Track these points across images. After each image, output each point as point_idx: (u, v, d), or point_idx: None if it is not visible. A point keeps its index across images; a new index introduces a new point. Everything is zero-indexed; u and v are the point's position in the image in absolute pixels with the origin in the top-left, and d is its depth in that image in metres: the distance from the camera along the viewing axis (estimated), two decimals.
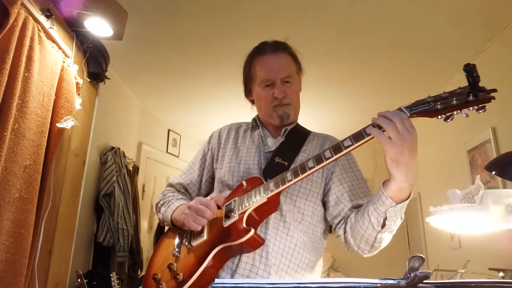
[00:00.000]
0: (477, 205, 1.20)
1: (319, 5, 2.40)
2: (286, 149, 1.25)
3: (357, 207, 1.14)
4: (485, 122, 2.66)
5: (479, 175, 1.62)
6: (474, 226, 1.37)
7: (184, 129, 4.70)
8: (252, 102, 1.38)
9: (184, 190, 1.41)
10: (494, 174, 1.82)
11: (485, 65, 2.65)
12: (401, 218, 1.00)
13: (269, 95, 1.25)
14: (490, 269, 2.17)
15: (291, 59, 1.29)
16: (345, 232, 1.12)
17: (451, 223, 1.37)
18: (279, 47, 1.28)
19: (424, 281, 0.51)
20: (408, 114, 0.90)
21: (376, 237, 1.02)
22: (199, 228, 1.10)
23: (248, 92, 1.37)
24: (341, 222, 1.15)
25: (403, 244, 4.33)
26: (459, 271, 2.33)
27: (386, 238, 1.04)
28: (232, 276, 1.08)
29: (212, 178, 1.37)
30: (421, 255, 0.52)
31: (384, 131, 0.90)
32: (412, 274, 0.51)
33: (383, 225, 0.99)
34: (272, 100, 1.25)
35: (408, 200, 0.96)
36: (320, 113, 3.98)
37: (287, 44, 1.32)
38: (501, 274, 2.04)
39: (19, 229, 1.55)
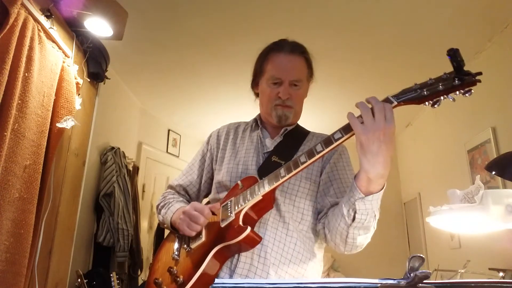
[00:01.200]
0: (477, 205, 1.20)
1: (319, 5, 2.40)
2: (284, 148, 1.25)
3: None
4: (485, 122, 2.66)
5: (479, 175, 1.62)
6: (474, 226, 1.37)
7: (184, 129, 4.70)
8: (257, 95, 1.38)
9: (184, 191, 1.41)
10: (494, 174, 1.82)
11: (485, 65, 2.66)
12: (375, 216, 0.98)
13: (274, 93, 1.25)
14: (490, 269, 2.17)
15: (305, 65, 1.29)
16: (323, 226, 1.12)
17: (451, 223, 1.37)
18: (297, 50, 1.27)
19: (424, 281, 0.51)
20: (396, 102, 0.91)
21: (348, 232, 1.00)
22: (193, 234, 1.11)
23: (255, 84, 1.36)
24: (322, 217, 1.15)
25: (403, 244, 4.34)
26: (459, 271, 2.33)
27: (361, 236, 1.01)
28: (231, 276, 1.08)
29: (211, 179, 1.37)
30: (421, 255, 0.52)
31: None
32: (412, 274, 0.51)
33: (354, 219, 0.97)
34: (275, 98, 1.25)
35: (378, 194, 0.93)
36: (320, 112, 3.98)
37: (306, 48, 1.31)
38: (501, 274, 2.03)
39: (19, 229, 1.56)
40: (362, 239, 1.03)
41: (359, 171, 0.93)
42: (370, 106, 0.91)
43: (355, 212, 0.96)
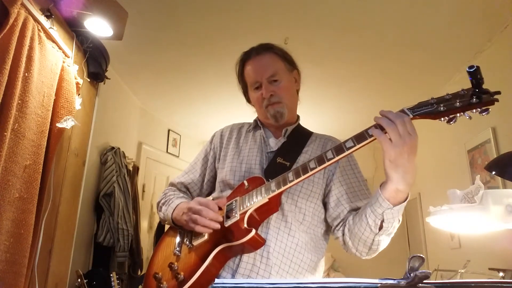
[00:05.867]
0: (477, 205, 1.20)
1: (318, 5, 2.40)
2: (288, 149, 1.25)
3: (356, 209, 1.14)
4: (485, 122, 2.66)
5: (479, 175, 1.62)
6: (474, 226, 1.37)
7: (184, 129, 4.70)
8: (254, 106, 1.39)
9: (185, 189, 1.41)
10: (494, 174, 1.82)
11: (485, 65, 2.65)
12: (399, 221, 1.00)
13: (259, 96, 1.27)
14: (490, 269, 2.17)
15: (276, 58, 1.29)
16: (343, 234, 1.12)
17: (451, 223, 1.36)
18: (262, 49, 1.30)
19: (424, 281, 0.51)
20: (411, 116, 0.90)
21: (373, 240, 1.02)
22: (205, 230, 1.08)
23: (248, 99, 1.39)
24: (340, 224, 1.15)
25: (403, 244, 4.33)
26: (459, 271, 2.33)
27: (384, 240, 1.04)
28: (233, 276, 1.08)
29: (214, 178, 1.37)
30: (421, 255, 0.52)
31: (385, 131, 0.90)
32: (412, 274, 0.51)
33: (381, 227, 0.99)
34: (262, 100, 1.27)
35: (405, 202, 0.96)
36: (319, 112, 3.98)
37: (272, 44, 1.33)
38: (501, 274, 2.03)
39: (19, 229, 1.55)
40: (385, 243, 1.05)
41: (385, 184, 0.94)
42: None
43: (382, 221, 0.97)
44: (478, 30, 2.57)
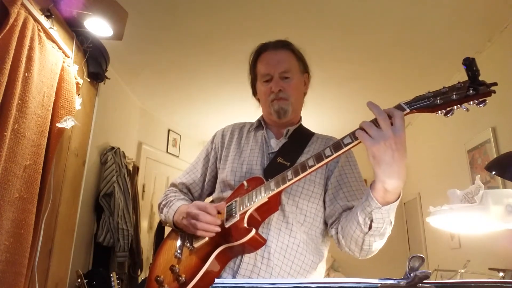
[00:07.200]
0: (477, 205, 1.20)
1: (319, 5, 2.40)
2: (289, 150, 1.25)
3: (352, 208, 1.13)
4: (485, 122, 2.66)
5: (479, 175, 1.62)
6: (474, 226, 1.37)
7: (184, 129, 4.70)
8: (259, 101, 1.39)
9: (186, 190, 1.40)
10: (494, 174, 1.82)
11: (485, 65, 2.65)
12: (391, 222, 0.97)
13: (268, 89, 1.27)
14: (490, 269, 2.17)
15: (292, 56, 1.30)
16: (337, 232, 1.11)
17: (451, 223, 1.36)
18: (280, 44, 1.31)
19: (424, 281, 0.51)
20: (408, 110, 0.89)
21: (364, 239, 0.99)
22: (206, 234, 1.08)
23: (255, 91, 1.39)
24: (335, 222, 1.14)
25: (403, 244, 4.34)
26: (459, 271, 2.33)
27: (376, 242, 1.01)
28: (233, 277, 1.08)
29: (215, 178, 1.37)
30: (421, 255, 0.52)
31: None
32: (412, 274, 0.51)
33: (370, 227, 0.96)
34: (269, 94, 1.26)
35: (395, 203, 0.92)
36: (320, 112, 3.98)
37: (290, 42, 1.33)
38: (501, 274, 2.04)
39: (19, 229, 1.55)
40: (378, 244, 1.03)
41: (374, 182, 0.92)
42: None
43: (371, 221, 0.95)
44: (478, 30, 2.57)
